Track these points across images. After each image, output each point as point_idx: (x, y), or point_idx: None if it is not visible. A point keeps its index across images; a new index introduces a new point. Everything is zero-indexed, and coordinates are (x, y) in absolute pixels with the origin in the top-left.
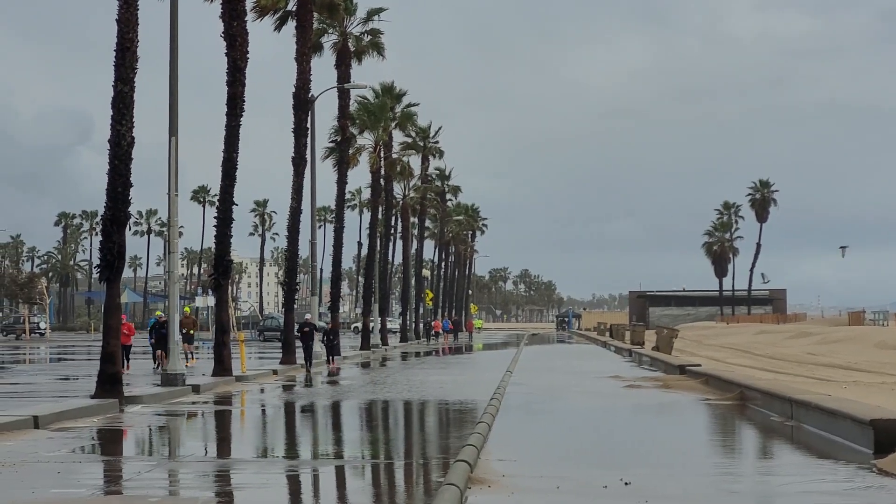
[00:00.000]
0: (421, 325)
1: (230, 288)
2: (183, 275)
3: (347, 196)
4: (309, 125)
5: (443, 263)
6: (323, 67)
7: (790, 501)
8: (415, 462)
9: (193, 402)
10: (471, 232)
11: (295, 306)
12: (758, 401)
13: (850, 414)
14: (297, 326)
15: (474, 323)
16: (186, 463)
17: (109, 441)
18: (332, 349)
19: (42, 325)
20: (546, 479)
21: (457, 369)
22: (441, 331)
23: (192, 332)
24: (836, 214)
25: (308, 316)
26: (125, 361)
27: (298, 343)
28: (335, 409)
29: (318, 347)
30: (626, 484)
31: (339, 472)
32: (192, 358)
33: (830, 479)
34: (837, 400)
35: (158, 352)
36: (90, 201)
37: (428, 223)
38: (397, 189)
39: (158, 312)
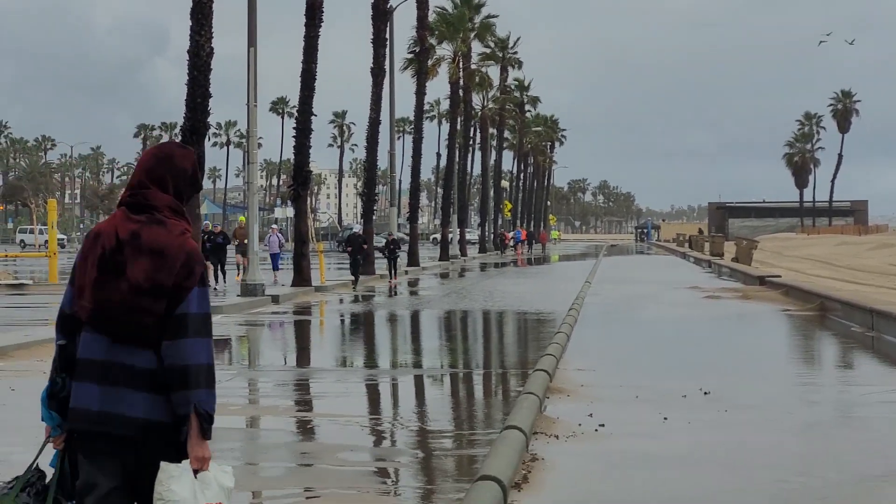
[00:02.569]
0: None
1: (309, 199)
2: (262, 186)
3: (426, 107)
4: (388, 36)
5: (521, 175)
6: None
7: (870, 411)
8: (493, 371)
9: (273, 312)
10: (549, 143)
11: (374, 217)
12: (838, 311)
13: None
14: (346, 239)
15: (551, 234)
16: (266, 372)
17: None
18: (393, 262)
19: None
20: (625, 389)
21: (535, 280)
22: (512, 242)
23: (246, 242)
24: None
25: (355, 228)
26: None
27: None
28: (414, 319)
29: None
30: (705, 394)
31: (418, 382)
32: (245, 272)
33: None
34: None
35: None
36: (168, 113)
37: (506, 134)
38: (476, 100)
39: (207, 223)
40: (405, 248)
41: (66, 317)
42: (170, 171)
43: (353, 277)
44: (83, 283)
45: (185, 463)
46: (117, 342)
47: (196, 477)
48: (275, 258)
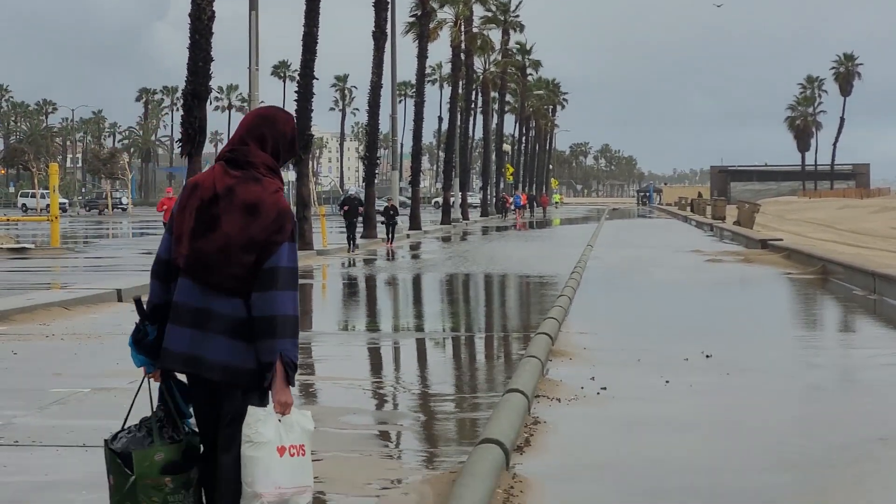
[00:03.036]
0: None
1: (311, 163)
2: None
3: (428, 71)
4: None
5: (523, 138)
6: None
7: (873, 374)
8: (495, 335)
9: None
10: (551, 107)
11: (375, 181)
12: (840, 275)
13: None
14: (341, 202)
15: (553, 198)
16: None
17: None
18: (392, 228)
19: (124, 201)
20: (627, 352)
21: (537, 243)
22: (512, 206)
23: None
24: None
25: (352, 191)
26: None
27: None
28: (416, 282)
29: (400, 222)
30: (707, 357)
31: (420, 345)
32: None
33: None
34: None
35: None
36: (170, 77)
37: (508, 98)
38: (478, 64)
39: (168, 189)
40: (406, 212)
41: (163, 262)
42: (271, 131)
43: (351, 241)
44: (181, 232)
45: (270, 407)
46: (209, 290)
47: (280, 421)
48: None
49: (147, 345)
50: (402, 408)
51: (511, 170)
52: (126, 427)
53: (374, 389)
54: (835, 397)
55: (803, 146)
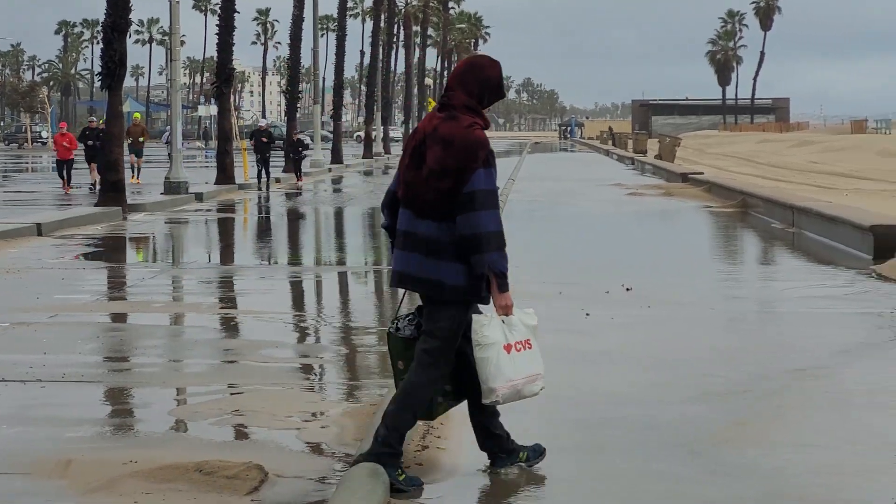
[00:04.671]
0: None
1: (233, 97)
2: (185, 84)
3: (350, 4)
4: None
5: (445, 72)
6: None
7: (791, 306)
8: None
9: (196, 210)
10: (473, 41)
11: (297, 115)
12: (759, 208)
13: (850, 220)
14: (249, 135)
15: None
16: (190, 270)
17: (113, 248)
18: (300, 163)
19: (44, 134)
20: (548, 286)
21: None
22: None
23: (141, 140)
24: (841, 23)
25: (263, 122)
26: (70, 176)
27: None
28: (338, 216)
29: (322, 156)
30: (627, 290)
31: (342, 279)
32: (138, 176)
33: (830, 284)
34: (838, 206)
35: (92, 164)
36: (90, 10)
37: (430, 32)
38: None
39: (91, 118)
40: (328, 146)
41: (390, 194)
42: (476, 77)
43: (263, 176)
44: (401, 169)
45: (493, 312)
46: (418, 216)
47: (503, 322)
48: None
49: None
50: (324, 341)
51: (433, 103)
52: (398, 317)
53: (295, 323)
54: (754, 329)
55: (724, 80)
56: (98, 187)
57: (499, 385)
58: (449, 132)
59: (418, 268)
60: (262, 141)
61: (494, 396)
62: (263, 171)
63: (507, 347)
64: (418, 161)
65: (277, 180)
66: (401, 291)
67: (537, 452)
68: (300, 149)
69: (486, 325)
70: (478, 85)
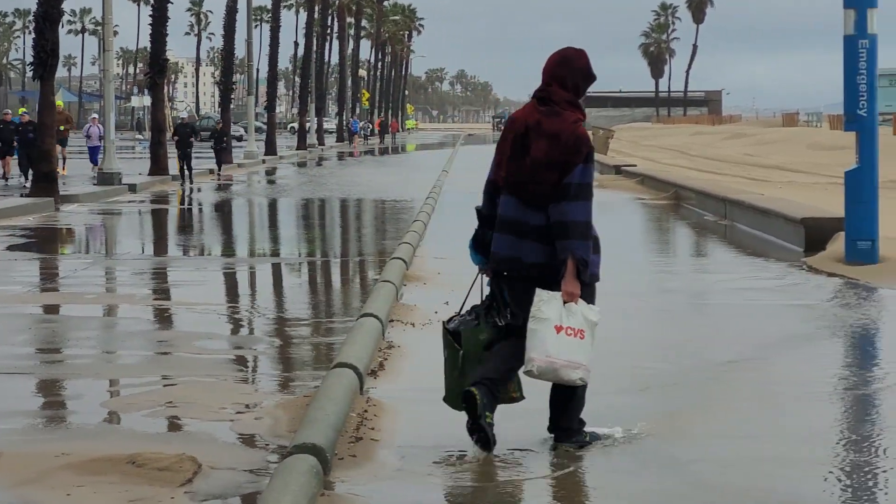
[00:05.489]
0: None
1: (166, 88)
2: (118, 74)
3: None
4: None
5: (379, 64)
6: None
7: (723, 298)
8: (351, 260)
9: (130, 201)
10: (407, 32)
11: (231, 106)
12: (692, 200)
13: (781, 213)
14: (173, 129)
15: (407, 123)
16: (123, 261)
17: (45, 239)
18: (221, 155)
19: None
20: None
21: (393, 169)
22: (354, 131)
23: (63, 129)
24: (774, 16)
25: (185, 116)
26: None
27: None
28: (272, 207)
29: (256, 147)
30: None
31: (276, 270)
32: (64, 167)
33: (762, 276)
34: (770, 199)
35: (6, 158)
36: None
37: (364, 23)
38: None
39: (22, 110)
40: (262, 137)
41: (491, 182)
42: (568, 70)
43: (186, 171)
44: (501, 158)
45: (557, 293)
46: (524, 204)
47: (564, 306)
48: (94, 151)
49: (483, 247)
50: (258, 333)
51: (367, 95)
52: (459, 312)
53: (229, 314)
54: (686, 321)
55: (657, 73)
56: (7, 179)
57: (537, 356)
58: (555, 128)
59: (532, 253)
60: (186, 135)
61: (531, 366)
62: (186, 166)
63: (558, 328)
64: (521, 152)
65: (211, 171)
66: (479, 279)
67: (596, 437)
68: (222, 138)
69: (546, 302)
70: (571, 76)
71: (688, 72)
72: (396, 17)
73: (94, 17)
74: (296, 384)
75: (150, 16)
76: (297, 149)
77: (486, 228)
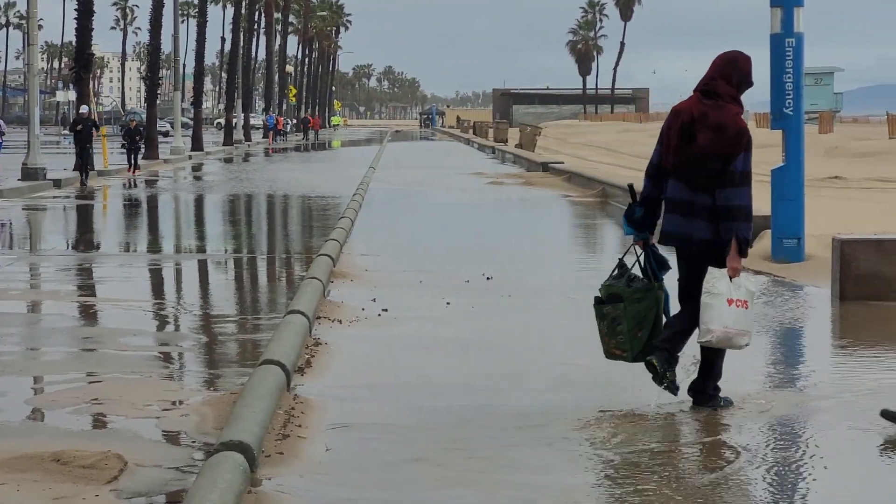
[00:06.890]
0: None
1: (92, 83)
2: (43, 69)
3: None
4: None
5: (306, 60)
6: None
7: None
8: (277, 256)
9: (55, 197)
10: (335, 28)
11: (157, 101)
12: (619, 198)
13: None
14: (72, 123)
15: (334, 120)
16: (48, 257)
17: None
18: (134, 152)
19: None
20: (409, 274)
21: (320, 165)
22: (267, 127)
23: None
24: (701, 14)
25: (84, 110)
26: None
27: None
28: (199, 203)
29: (182, 143)
30: (487, 279)
31: (202, 266)
32: None
33: None
34: None
35: None
36: None
37: (292, 19)
38: None
39: None
40: (188, 133)
41: (655, 166)
42: (735, 70)
43: (86, 169)
44: (668, 145)
45: (724, 269)
46: (691, 188)
47: (731, 281)
48: None
49: (635, 221)
50: (184, 329)
51: (294, 91)
52: (608, 280)
53: (155, 311)
54: None
55: (585, 70)
56: None
57: (716, 328)
58: (721, 120)
59: (700, 231)
60: (87, 129)
61: (710, 336)
62: (84, 163)
63: (729, 301)
64: (687, 140)
65: (138, 167)
66: (630, 258)
67: (729, 402)
68: (137, 137)
69: (718, 279)
70: (737, 76)
71: (615, 69)
72: (324, 13)
73: (18, 11)
74: (222, 381)
75: (75, 10)
76: (223, 145)
77: (640, 204)
